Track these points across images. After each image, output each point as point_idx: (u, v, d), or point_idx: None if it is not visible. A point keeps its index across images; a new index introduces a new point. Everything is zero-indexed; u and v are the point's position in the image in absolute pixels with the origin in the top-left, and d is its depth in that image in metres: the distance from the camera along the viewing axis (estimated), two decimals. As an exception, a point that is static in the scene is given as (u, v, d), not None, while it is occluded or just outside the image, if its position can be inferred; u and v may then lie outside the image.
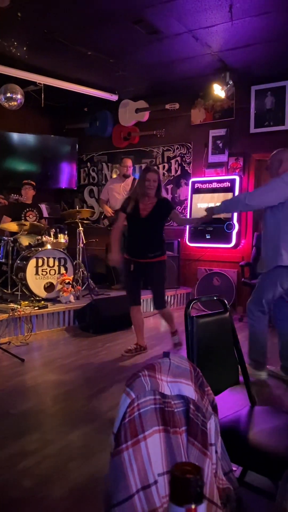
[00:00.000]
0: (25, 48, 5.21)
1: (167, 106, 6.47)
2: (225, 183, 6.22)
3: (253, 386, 1.97)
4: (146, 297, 5.28)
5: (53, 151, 7.51)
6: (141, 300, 4.27)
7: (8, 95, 5.72)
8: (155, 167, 4.26)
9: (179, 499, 0.51)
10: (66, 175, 7.67)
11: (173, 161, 6.87)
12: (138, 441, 0.96)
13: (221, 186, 6.26)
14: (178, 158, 6.82)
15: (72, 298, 5.27)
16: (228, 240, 6.08)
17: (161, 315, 4.24)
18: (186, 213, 6.61)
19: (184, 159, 6.77)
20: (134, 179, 6.25)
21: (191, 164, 6.70)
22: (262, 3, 4.07)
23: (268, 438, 1.60)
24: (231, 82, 5.74)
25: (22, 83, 5.86)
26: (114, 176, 7.28)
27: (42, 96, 6.12)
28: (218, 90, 5.80)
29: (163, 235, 4.06)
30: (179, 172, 6.83)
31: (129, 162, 6.27)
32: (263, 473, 1.52)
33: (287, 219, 3.33)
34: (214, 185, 6.34)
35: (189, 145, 6.71)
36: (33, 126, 7.40)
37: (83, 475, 2.13)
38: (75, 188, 7.80)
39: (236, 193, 6.08)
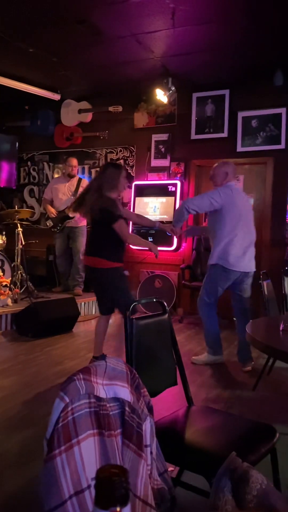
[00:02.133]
0: None
1: (110, 109, 6.47)
2: (167, 187, 6.32)
3: (191, 387, 2.01)
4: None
5: (-8, 148, 7.25)
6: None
7: None
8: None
9: (104, 502, 0.51)
10: (5, 173, 7.42)
11: (116, 164, 6.86)
12: (72, 446, 0.94)
13: (163, 190, 6.35)
14: (121, 161, 6.83)
15: (9, 301, 5.10)
16: (170, 243, 6.18)
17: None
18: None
19: (127, 162, 6.79)
20: (80, 179, 6.18)
21: (134, 167, 6.74)
22: (203, 13, 4.18)
23: (203, 437, 1.64)
24: (173, 88, 5.85)
25: None
26: (56, 175, 7.16)
27: (-19, 92, 5.90)
28: (161, 95, 5.88)
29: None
30: (122, 175, 6.83)
31: (74, 161, 6.19)
32: (198, 472, 1.55)
33: (241, 227, 3.79)
34: (157, 189, 6.42)
35: (132, 148, 6.74)
36: None
37: (19, 483, 2.06)
38: (14, 187, 7.57)
39: (178, 197, 6.20)
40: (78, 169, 6.40)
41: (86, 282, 6.05)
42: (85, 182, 5.92)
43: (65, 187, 6.16)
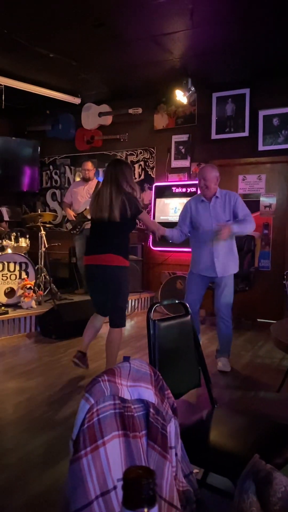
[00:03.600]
0: (-16, 48, 5.09)
1: (130, 111, 6.50)
2: (188, 188, 6.31)
3: (215, 388, 2.00)
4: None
5: (14, 153, 7.36)
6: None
7: None
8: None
9: (132, 503, 0.51)
10: (28, 178, 7.54)
11: (136, 166, 6.89)
12: (97, 447, 0.95)
13: (183, 191, 6.34)
14: (142, 163, 6.85)
15: (33, 303, 5.17)
16: (191, 244, 6.15)
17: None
18: (150, 216, 6.64)
19: (147, 163, 6.81)
20: (98, 182, 6.22)
21: (154, 169, 6.75)
22: (221, 13, 4.16)
23: (228, 439, 1.63)
24: (193, 88, 5.83)
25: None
26: (78, 179, 7.24)
27: (3, 98, 6.00)
28: (180, 96, 5.87)
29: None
30: (142, 177, 6.86)
31: (88, 165, 6.24)
32: (223, 474, 1.54)
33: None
34: (177, 190, 6.42)
35: (152, 150, 6.75)
36: (-6, 128, 7.24)
37: (43, 484, 2.08)
38: (37, 191, 7.68)
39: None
40: (96, 172, 6.43)
41: (80, 280, 6.17)
42: None
43: (84, 190, 6.22)
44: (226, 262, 3.81)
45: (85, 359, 3.61)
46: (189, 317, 1.92)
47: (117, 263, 3.33)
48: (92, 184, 6.23)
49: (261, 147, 5.81)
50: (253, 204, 6.16)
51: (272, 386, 3.48)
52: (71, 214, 6.20)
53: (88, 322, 3.67)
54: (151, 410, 1.08)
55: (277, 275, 5.88)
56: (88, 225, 6.19)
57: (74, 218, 6.17)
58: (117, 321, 3.43)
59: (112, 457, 0.97)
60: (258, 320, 5.84)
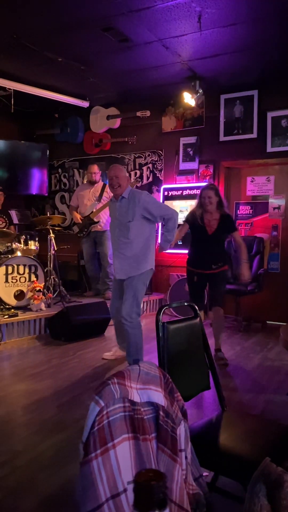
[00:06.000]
0: (-6, 53, 5.14)
1: (138, 114, 6.51)
2: (196, 190, 6.30)
3: (224, 391, 1.99)
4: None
5: (23, 157, 7.41)
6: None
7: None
8: (213, 184, 4.24)
9: (143, 506, 0.51)
10: (37, 181, 7.59)
11: (144, 168, 6.90)
12: (107, 450, 0.95)
13: (192, 193, 6.34)
14: (150, 165, 6.86)
15: (43, 305, 5.20)
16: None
17: (214, 314, 4.17)
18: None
19: (155, 166, 6.82)
20: (104, 184, 6.24)
21: (163, 171, 6.75)
22: (229, 15, 4.16)
23: (238, 442, 1.62)
24: (201, 91, 5.83)
25: (-9, 88, 5.79)
26: (85, 182, 7.27)
27: (12, 102, 6.05)
28: (188, 99, 5.88)
29: (225, 247, 4.36)
30: (150, 179, 6.86)
31: (93, 168, 6.27)
32: (233, 477, 1.53)
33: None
34: (186, 192, 6.42)
35: (160, 152, 6.76)
36: (3, 132, 7.29)
37: (54, 486, 2.09)
38: (46, 194, 7.72)
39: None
40: (102, 175, 6.45)
41: (89, 283, 6.30)
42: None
43: (90, 193, 6.25)
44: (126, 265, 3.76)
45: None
46: (198, 319, 1.92)
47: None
48: (98, 187, 6.26)
49: (269, 149, 5.79)
50: (261, 206, 6.15)
51: (282, 388, 3.46)
52: (77, 217, 6.23)
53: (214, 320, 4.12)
54: (161, 413, 1.08)
55: (287, 276, 5.86)
56: (94, 228, 6.21)
57: (80, 221, 6.20)
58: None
59: (122, 459, 0.97)
60: (268, 322, 5.82)
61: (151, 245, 3.82)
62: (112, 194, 3.93)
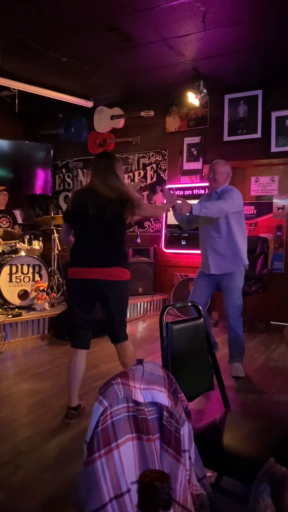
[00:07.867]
0: (-2, 53, 5.15)
1: (142, 114, 6.51)
2: (200, 190, 6.29)
3: (228, 391, 1.99)
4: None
5: (28, 156, 7.43)
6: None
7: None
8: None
9: (147, 507, 0.51)
10: (41, 181, 7.60)
11: (148, 168, 6.90)
12: (111, 450, 0.95)
13: (196, 193, 6.32)
14: (154, 165, 6.85)
15: (47, 305, 5.21)
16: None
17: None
18: (162, 219, 6.65)
19: (159, 166, 6.81)
20: None
21: (166, 171, 6.75)
22: (234, 15, 4.15)
23: (242, 443, 1.62)
24: (205, 91, 5.82)
25: (-4, 88, 5.81)
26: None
27: (16, 102, 6.06)
28: (192, 98, 5.87)
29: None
30: (154, 179, 6.86)
31: None
32: (237, 477, 1.53)
33: (242, 225, 3.84)
34: (189, 192, 6.40)
35: (164, 152, 6.76)
36: (7, 132, 7.31)
37: (57, 485, 2.09)
38: (50, 194, 7.73)
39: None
40: None
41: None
42: None
43: None
44: (221, 259, 3.75)
45: (80, 411, 2.89)
46: (202, 319, 1.92)
47: (123, 277, 2.98)
48: None
49: (273, 149, 5.78)
50: (266, 206, 6.13)
51: (286, 389, 3.45)
52: None
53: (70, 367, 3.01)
54: (165, 413, 1.08)
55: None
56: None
57: None
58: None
59: (125, 460, 0.97)
60: (272, 322, 5.80)
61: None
62: None
